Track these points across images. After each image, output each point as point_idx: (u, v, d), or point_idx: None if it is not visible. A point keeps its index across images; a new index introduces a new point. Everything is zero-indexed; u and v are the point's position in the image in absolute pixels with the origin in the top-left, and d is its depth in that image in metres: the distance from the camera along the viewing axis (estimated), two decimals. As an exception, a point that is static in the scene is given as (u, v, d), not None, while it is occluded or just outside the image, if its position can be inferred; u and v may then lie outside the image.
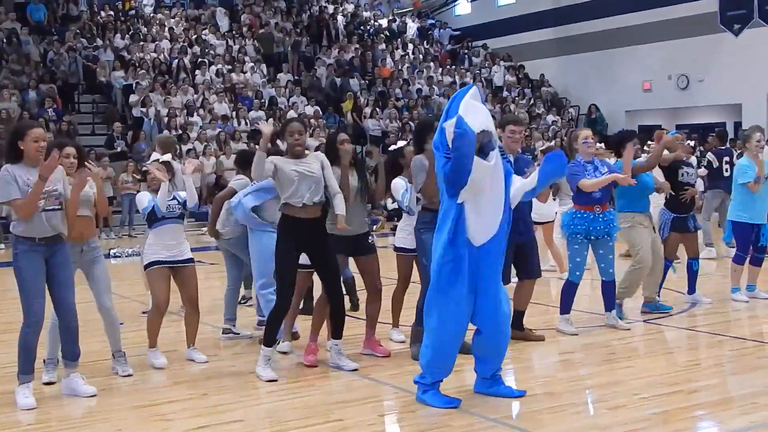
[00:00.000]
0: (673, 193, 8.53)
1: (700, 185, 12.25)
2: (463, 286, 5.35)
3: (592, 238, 7.51)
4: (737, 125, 21.98)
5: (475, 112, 5.31)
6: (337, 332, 6.61)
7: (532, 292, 7.54)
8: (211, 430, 5.32)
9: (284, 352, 6.99)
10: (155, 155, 7.88)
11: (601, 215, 7.48)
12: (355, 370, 6.56)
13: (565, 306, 7.70)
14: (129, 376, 6.48)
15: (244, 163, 7.76)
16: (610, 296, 7.81)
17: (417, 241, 6.80)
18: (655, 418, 5.44)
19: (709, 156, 13.52)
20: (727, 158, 12.95)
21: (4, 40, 22.84)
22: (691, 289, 8.80)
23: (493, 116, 6.45)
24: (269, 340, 6.36)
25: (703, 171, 13.30)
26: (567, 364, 6.97)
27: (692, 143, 13.84)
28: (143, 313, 8.88)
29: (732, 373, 6.55)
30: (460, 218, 5.31)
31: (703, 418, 5.38)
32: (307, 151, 6.48)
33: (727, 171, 12.59)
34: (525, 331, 7.31)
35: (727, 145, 14.38)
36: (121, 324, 8.49)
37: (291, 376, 6.51)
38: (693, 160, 12.16)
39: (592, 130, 18.16)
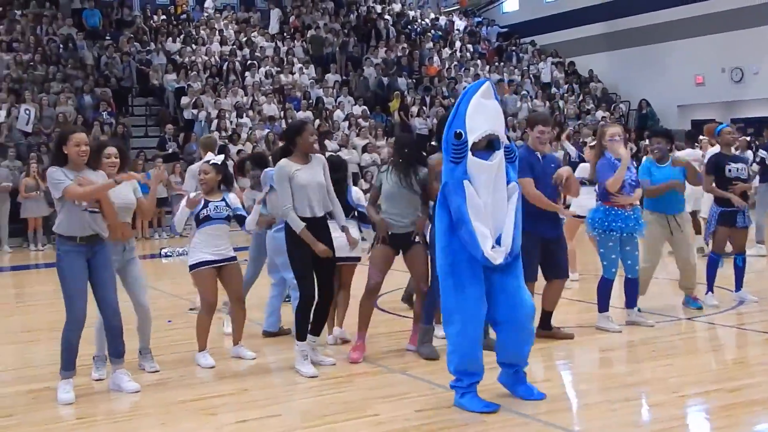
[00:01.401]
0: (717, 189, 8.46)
1: (756, 181, 12.08)
2: (480, 286, 5.32)
3: (625, 234, 7.49)
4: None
5: (481, 113, 5.27)
6: (316, 329, 6.62)
7: (561, 292, 7.50)
8: (251, 424, 5.39)
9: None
10: (209, 156, 7.92)
11: (631, 212, 7.47)
12: (333, 364, 6.64)
13: (604, 304, 7.64)
14: (156, 371, 6.58)
15: (258, 165, 7.89)
16: (634, 294, 7.78)
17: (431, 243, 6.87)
18: (693, 416, 5.43)
19: (762, 152, 13.28)
20: None
21: (61, 46, 23.19)
22: (738, 286, 8.66)
23: (534, 112, 6.53)
24: (301, 334, 6.43)
25: (755, 167, 13.07)
26: (606, 361, 6.94)
27: (747, 138, 13.70)
28: (190, 309, 9.04)
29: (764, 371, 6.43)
30: (469, 229, 5.23)
31: (743, 416, 5.28)
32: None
33: None
34: (553, 330, 7.28)
35: None
36: (169, 321, 8.73)
37: (331, 372, 6.55)
38: (749, 154, 12.00)
39: (644, 125, 17.86)
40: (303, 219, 6.26)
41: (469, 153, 5.22)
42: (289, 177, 6.27)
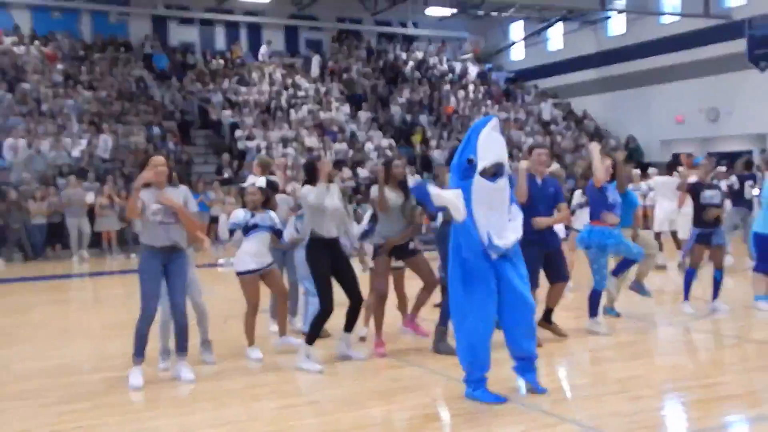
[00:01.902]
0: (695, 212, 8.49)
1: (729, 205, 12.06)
2: (487, 289, 5.31)
3: (612, 250, 7.52)
4: (762, 152, 21.35)
5: (492, 145, 5.34)
6: (349, 327, 6.66)
7: (562, 292, 7.49)
8: (291, 410, 5.42)
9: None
10: (251, 179, 7.93)
11: (616, 230, 7.49)
12: (363, 359, 6.65)
13: (594, 310, 7.61)
14: (213, 363, 6.63)
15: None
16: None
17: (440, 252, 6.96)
18: (671, 408, 5.41)
19: (732, 179, 13.22)
20: (750, 182, 12.60)
21: (134, 85, 23.42)
22: (715, 297, 8.57)
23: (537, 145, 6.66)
24: (311, 339, 6.43)
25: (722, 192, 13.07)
26: (595, 360, 6.90)
27: (723, 168, 13.59)
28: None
29: (747, 371, 6.37)
30: (472, 231, 5.28)
31: (715, 409, 5.27)
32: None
33: (749, 194, 12.31)
34: (553, 325, 7.29)
35: (753, 171, 14.07)
36: (225, 321, 8.76)
37: (362, 365, 6.58)
38: (723, 183, 11.90)
39: (630, 158, 17.65)
40: (325, 239, 6.39)
41: (477, 175, 5.30)
42: (314, 194, 6.38)
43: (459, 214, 5.20)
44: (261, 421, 5.16)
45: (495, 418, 5.06)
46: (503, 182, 5.41)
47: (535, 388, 5.50)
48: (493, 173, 5.34)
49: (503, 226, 5.37)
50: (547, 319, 7.25)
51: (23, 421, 5.24)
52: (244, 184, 7.63)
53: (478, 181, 5.29)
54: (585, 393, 5.74)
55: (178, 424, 5.15)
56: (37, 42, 23.96)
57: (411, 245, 7.07)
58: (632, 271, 8.42)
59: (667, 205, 12.75)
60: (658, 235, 12.92)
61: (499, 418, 5.05)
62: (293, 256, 7.62)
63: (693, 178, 10.03)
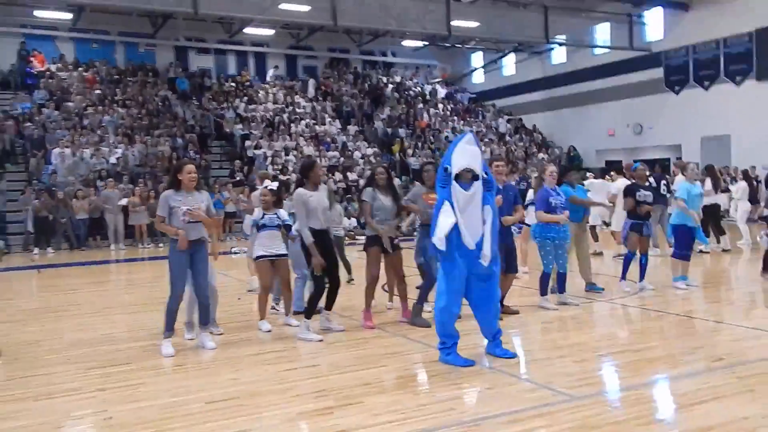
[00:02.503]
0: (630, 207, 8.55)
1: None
2: (461, 277, 5.32)
3: (557, 242, 7.58)
4: (677, 159, 21.62)
5: (462, 155, 5.30)
6: (329, 305, 6.63)
7: (512, 282, 7.56)
8: (296, 371, 5.44)
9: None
10: (266, 183, 7.78)
11: (561, 227, 7.56)
12: (343, 330, 6.62)
13: (544, 290, 7.66)
14: (221, 334, 6.64)
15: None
16: (564, 282, 7.83)
17: (417, 246, 7.03)
18: (607, 369, 5.45)
19: (650, 179, 13.34)
20: (663, 182, 12.72)
21: (160, 104, 23.30)
22: (641, 278, 8.62)
23: (494, 154, 6.60)
24: (309, 314, 6.44)
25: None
26: (545, 331, 6.91)
27: (648, 173, 13.77)
28: (249, 291, 9.06)
29: (668, 338, 6.44)
30: (454, 231, 5.27)
31: (644, 369, 5.32)
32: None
33: (664, 190, 12.42)
34: (504, 307, 7.12)
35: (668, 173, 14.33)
36: (239, 298, 8.74)
37: (353, 336, 6.56)
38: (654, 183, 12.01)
39: (571, 164, 17.80)
40: (315, 230, 6.31)
41: (453, 182, 5.27)
42: (304, 202, 6.32)
43: (440, 243, 5.23)
44: (269, 381, 5.15)
45: (465, 377, 5.08)
46: (476, 189, 5.32)
47: (507, 356, 5.51)
48: (467, 180, 5.28)
49: (478, 226, 5.33)
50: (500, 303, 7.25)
51: (74, 381, 5.24)
52: (258, 189, 7.51)
53: (454, 187, 5.28)
54: (537, 357, 5.77)
55: (202, 384, 5.12)
56: (79, 68, 23.71)
57: (396, 240, 6.98)
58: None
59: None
60: (593, 228, 13.02)
61: (469, 378, 5.07)
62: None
63: (623, 181, 10.17)
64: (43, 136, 19.42)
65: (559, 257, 7.65)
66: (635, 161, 10.01)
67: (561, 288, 7.81)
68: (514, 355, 5.56)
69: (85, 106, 21.48)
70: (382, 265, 6.99)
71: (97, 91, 22.61)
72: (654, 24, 23.72)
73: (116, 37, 25.04)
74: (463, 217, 5.29)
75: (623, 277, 8.64)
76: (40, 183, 17.62)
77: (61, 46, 24.36)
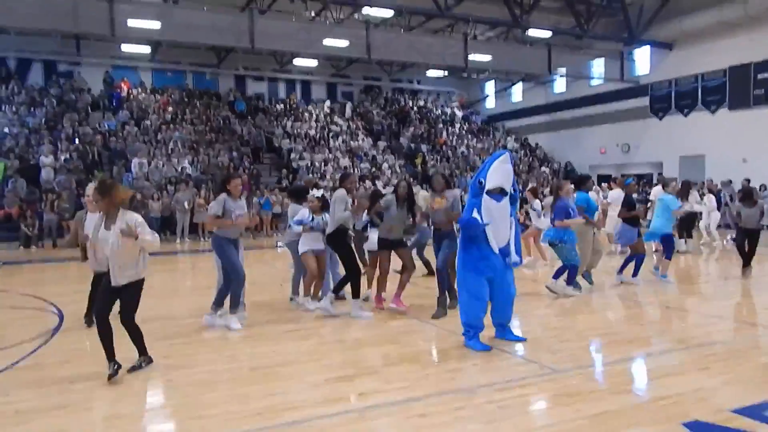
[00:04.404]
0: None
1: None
2: (483, 275, 5.21)
3: (570, 242, 7.65)
4: (659, 174, 21.42)
5: (498, 173, 5.15)
6: (356, 293, 6.61)
7: None
8: (325, 346, 5.51)
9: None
10: (315, 192, 7.66)
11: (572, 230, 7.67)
12: (371, 318, 6.47)
13: (571, 280, 7.74)
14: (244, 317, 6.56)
15: (297, 195, 7.66)
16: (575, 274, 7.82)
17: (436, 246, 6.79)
18: (589, 348, 5.44)
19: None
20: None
21: (221, 122, 23.61)
22: (635, 274, 8.57)
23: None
24: (357, 294, 6.53)
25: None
26: (537, 316, 6.84)
27: (636, 185, 13.64)
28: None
29: (640, 324, 6.41)
30: (484, 235, 5.17)
31: (620, 347, 5.31)
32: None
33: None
34: None
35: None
36: (281, 285, 8.81)
37: (376, 318, 6.58)
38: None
39: (567, 177, 17.64)
40: (346, 230, 6.50)
41: (485, 194, 5.15)
42: (346, 201, 6.48)
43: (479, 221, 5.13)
44: (302, 353, 5.24)
45: (466, 354, 5.11)
46: (505, 202, 5.22)
47: (519, 340, 5.43)
48: (498, 193, 5.17)
49: (505, 234, 5.24)
50: None
51: None
52: (310, 196, 7.47)
53: (485, 200, 5.15)
54: (528, 337, 5.71)
55: (247, 354, 5.24)
56: (156, 93, 24.23)
57: (405, 240, 6.97)
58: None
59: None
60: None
61: (469, 354, 5.09)
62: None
63: (615, 192, 10.10)
64: (125, 149, 19.88)
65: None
66: (629, 177, 9.92)
67: (572, 280, 7.82)
68: (524, 339, 5.45)
69: (159, 124, 21.92)
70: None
71: (170, 111, 23.07)
72: (642, 60, 23.62)
73: (186, 66, 25.47)
74: (492, 225, 5.17)
75: (620, 271, 8.66)
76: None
77: (142, 74, 24.95)
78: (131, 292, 4.52)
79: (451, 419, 3.67)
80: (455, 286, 6.79)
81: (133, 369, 4.61)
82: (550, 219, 7.87)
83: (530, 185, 12.60)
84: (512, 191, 5.28)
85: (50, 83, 22.95)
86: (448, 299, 6.68)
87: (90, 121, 21.14)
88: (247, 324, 6.23)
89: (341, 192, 6.54)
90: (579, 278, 8.01)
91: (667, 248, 8.75)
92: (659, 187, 9.71)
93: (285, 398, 4.07)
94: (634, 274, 8.57)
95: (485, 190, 5.14)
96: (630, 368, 4.86)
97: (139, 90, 24.12)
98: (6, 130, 19.22)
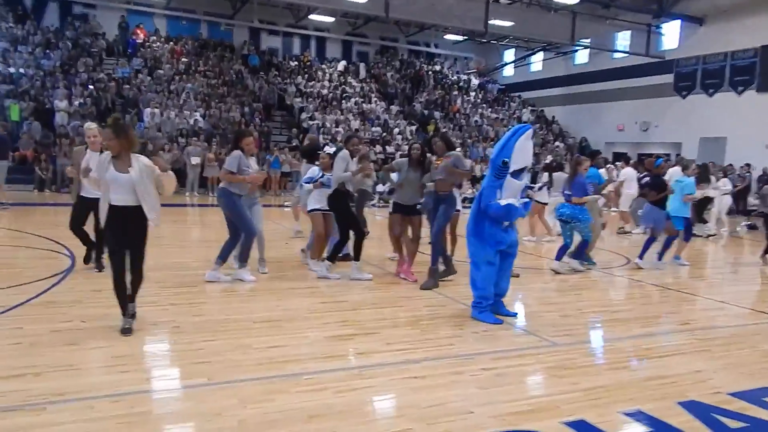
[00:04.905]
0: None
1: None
2: (499, 247, 5.18)
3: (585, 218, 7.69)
4: (677, 155, 21.16)
5: (524, 152, 5.02)
6: (357, 256, 6.63)
7: None
8: (327, 304, 5.60)
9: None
10: (327, 149, 7.53)
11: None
12: (370, 279, 6.57)
13: (579, 255, 7.89)
14: (265, 273, 6.69)
15: (310, 154, 7.61)
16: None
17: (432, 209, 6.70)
18: (589, 324, 5.50)
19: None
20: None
21: (234, 76, 23.47)
22: (660, 257, 8.48)
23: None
24: (357, 257, 6.59)
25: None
26: (541, 290, 6.94)
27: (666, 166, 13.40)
28: (297, 232, 9.25)
29: (643, 304, 6.45)
30: (491, 219, 5.09)
31: (620, 326, 5.38)
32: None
33: None
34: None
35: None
36: (286, 244, 8.92)
37: (376, 283, 6.67)
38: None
39: (582, 153, 17.49)
40: (343, 191, 6.51)
41: (509, 175, 5.02)
42: (347, 161, 6.47)
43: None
44: (304, 310, 5.33)
45: (466, 322, 5.17)
46: (524, 179, 5.18)
47: (510, 315, 5.40)
48: (521, 172, 5.09)
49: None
50: None
51: (152, 297, 5.43)
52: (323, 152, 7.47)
53: (509, 181, 5.01)
54: (530, 311, 5.85)
55: (251, 307, 5.35)
56: (170, 42, 24.02)
57: (417, 207, 6.84)
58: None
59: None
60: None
61: (469, 323, 5.16)
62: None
63: (627, 170, 10.01)
64: (138, 98, 19.85)
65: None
66: (659, 157, 9.49)
67: (579, 254, 7.92)
68: (515, 314, 5.47)
69: (172, 74, 21.81)
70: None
71: (183, 61, 22.90)
72: (670, 34, 22.93)
73: (202, 16, 25.20)
74: (512, 201, 5.07)
75: (660, 258, 8.44)
76: (133, 136, 18.04)
77: (157, 21, 24.69)
78: (140, 235, 4.36)
79: (447, 382, 3.77)
80: (451, 254, 6.90)
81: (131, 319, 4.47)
82: (565, 195, 7.81)
83: (549, 160, 12.53)
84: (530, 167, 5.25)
85: (66, 25, 22.80)
86: (440, 268, 6.61)
87: (104, 67, 21.07)
88: (236, 278, 6.28)
89: (344, 152, 6.52)
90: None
91: (685, 231, 8.67)
92: (677, 169, 9.54)
93: (286, 351, 4.19)
94: (660, 257, 8.42)
95: (510, 171, 4.97)
96: (629, 346, 4.92)
97: (154, 38, 23.92)
98: (22, 71, 19.21)
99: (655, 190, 8.32)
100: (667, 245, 8.42)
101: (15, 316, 4.74)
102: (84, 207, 6.17)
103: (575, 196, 7.56)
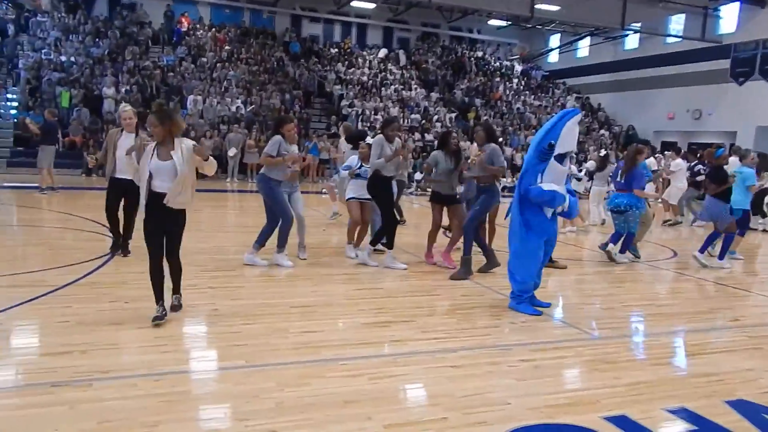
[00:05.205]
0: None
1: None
2: (541, 242, 5.07)
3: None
4: (731, 146, 20.28)
5: (570, 137, 4.86)
6: (390, 244, 6.53)
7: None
8: (363, 290, 5.61)
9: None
10: (369, 139, 7.58)
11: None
12: (405, 269, 6.45)
13: (625, 248, 7.72)
14: (304, 259, 6.71)
15: (354, 140, 7.67)
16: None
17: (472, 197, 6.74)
18: (632, 317, 5.35)
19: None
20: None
21: (275, 64, 23.64)
22: (722, 257, 8.00)
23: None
24: (390, 245, 6.54)
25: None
26: (582, 282, 6.82)
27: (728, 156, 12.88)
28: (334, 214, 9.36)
29: (690, 298, 6.24)
30: (538, 208, 4.96)
31: (665, 320, 5.23)
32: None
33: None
34: (554, 262, 6.98)
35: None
36: (323, 230, 8.99)
37: (411, 272, 6.64)
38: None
39: (628, 143, 17.05)
40: (384, 176, 6.40)
41: (552, 158, 4.88)
42: (382, 146, 6.38)
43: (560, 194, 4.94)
44: (340, 296, 5.37)
45: (504, 312, 5.11)
46: (567, 166, 5.06)
47: (543, 305, 5.25)
48: (566, 157, 4.95)
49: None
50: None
51: (192, 280, 5.49)
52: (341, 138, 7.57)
53: (552, 164, 4.87)
54: (570, 302, 5.76)
55: (288, 292, 5.41)
56: (213, 29, 24.39)
57: (457, 195, 6.86)
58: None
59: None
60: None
61: (507, 313, 5.10)
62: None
63: (677, 161, 9.67)
64: (182, 85, 20.25)
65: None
66: (719, 147, 8.90)
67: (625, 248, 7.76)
68: (548, 305, 5.33)
69: (215, 62, 22.15)
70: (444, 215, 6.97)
71: (226, 49, 23.23)
72: (728, 17, 21.89)
73: (244, 4, 25.46)
74: (560, 188, 4.96)
75: (721, 257, 7.87)
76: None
77: (201, 10, 25.13)
78: (178, 222, 4.37)
79: (483, 372, 3.73)
80: (491, 246, 6.80)
81: (172, 309, 4.48)
82: (618, 184, 7.57)
83: (602, 153, 12.25)
84: (574, 153, 5.12)
85: (114, 14, 23.45)
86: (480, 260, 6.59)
87: (150, 55, 21.57)
88: (273, 262, 6.35)
89: (378, 137, 6.46)
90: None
91: (742, 224, 8.28)
92: (735, 159, 9.12)
93: (322, 336, 4.22)
94: (721, 256, 7.83)
95: (554, 154, 4.83)
96: (674, 341, 4.78)
97: (198, 26, 24.33)
98: (72, 59, 19.87)
99: (715, 182, 7.78)
100: (727, 243, 7.85)
101: (64, 295, 4.93)
102: (117, 189, 6.20)
103: (636, 187, 7.39)
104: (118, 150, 6.13)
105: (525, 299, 5.14)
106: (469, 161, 6.54)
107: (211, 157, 4.42)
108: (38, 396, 3.09)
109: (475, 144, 6.76)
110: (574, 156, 11.03)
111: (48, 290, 4.98)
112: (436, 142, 8.20)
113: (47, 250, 6.76)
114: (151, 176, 4.25)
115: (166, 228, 4.36)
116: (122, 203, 6.33)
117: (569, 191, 5.13)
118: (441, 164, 6.71)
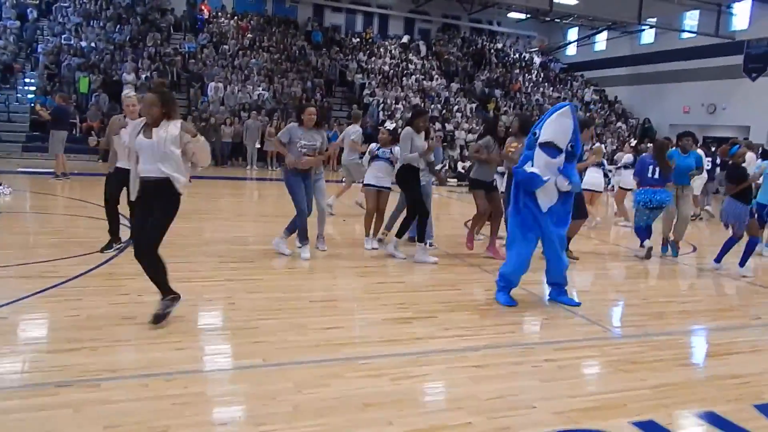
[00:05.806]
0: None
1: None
2: (534, 231, 4.93)
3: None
4: (744, 139, 19.86)
5: (553, 127, 4.76)
6: (421, 238, 6.38)
7: (579, 227, 7.15)
8: (385, 284, 5.44)
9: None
10: (387, 125, 7.62)
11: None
12: (436, 263, 6.25)
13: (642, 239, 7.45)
14: (324, 251, 6.51)
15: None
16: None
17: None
18: (653, 313, 5.12)
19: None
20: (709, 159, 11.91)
21: (297, 51, 23.46)
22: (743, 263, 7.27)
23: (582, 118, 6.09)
24: (421, 238, 6.38)
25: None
26: (605, 277, 6.62)
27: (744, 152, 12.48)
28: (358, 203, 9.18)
29: (714, 295, 6.02)
30: (531, 195, 4.86)
31: (689, 318, 5.03)
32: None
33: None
34: (568, 251, 6.69)
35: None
36: (344, 220, 8.83)
37: (438, 263, 6.45)
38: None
39: (644, 135, 16.60)
40: (412, 167, 6.27)
41: (537, 147, 4.81)
42: (411, 139, 6.20)
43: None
44: (361, 290, 5.22)
45: (527, 309, 4.95)
46: (560, 159, 4.82)
47: (572, 304, 5.06)
48: (552, 147, 4.76)
49: (553, 192, 4.86)
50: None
51: (209, 272, 5.45)
52: (383, 128, 7.35)
53: (537, 152, 4.81)
54: (594, 298, 5.51)
55: (308, 285, 5.27)
56: (235, 17, 24.21)
57: (494, 183, 6.87)
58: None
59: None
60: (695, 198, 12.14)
61: (530, 310, 4.95)
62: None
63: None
64: (203, 72, 20.14)
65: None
66: (735, 143, 8.41)
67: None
68: (579, 304, 5.06)
69: (237, 50, 21.99)
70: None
71: (248, 37, 23.05)
72: (741, 14, 21.50)
73: (267, -8, 25.38)
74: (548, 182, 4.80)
75: (742, 264, 6.89)
76: (197, 111, 18.39)
77: (223, -2, 25.02)
78: (166, 210, 3.87)
79: (506, 373, 3.55)
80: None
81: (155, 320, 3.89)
82: (650, 180, 7.15)
83: (633, 143, 11.97)
84: (569, 148, 4.86)
85: (136, 1, 23.33)
86: None
87: (171, 42, 21.46)
88: (310, 256, 6.22)
89: (407, 130, 6.23)
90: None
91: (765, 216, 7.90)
92: (752, 154, 8.77)
93: (341, 333, 4.05)
94: (742, 263, 6.85)
95: (538, 143, 4.79)
96: (698, 341, 4.57)
97: (220, 14, 24.16)
98: (93, 44, 19.81)
99: (734, 181, 6.99)
100: (749, 249, 6.87)
101: (75, 287, 4.73)
102: (119, 179, 5.63)
103: (671, 182, 7.15)
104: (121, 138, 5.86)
105: (502, 288, 5.01)
106: (503, 152, 6.52)
107: (200, 137, 3.94)
108: (41, 397, 2.88)
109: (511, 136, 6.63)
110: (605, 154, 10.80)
111: (58, 281, 4.77)
112: (482, 128, 8.07)
113: (59, 238, 6.53)
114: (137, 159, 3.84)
115: (152, 213, 3.87)
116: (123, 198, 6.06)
117: (573, 182, 4.91)
118: (491, 149, 6.64)
